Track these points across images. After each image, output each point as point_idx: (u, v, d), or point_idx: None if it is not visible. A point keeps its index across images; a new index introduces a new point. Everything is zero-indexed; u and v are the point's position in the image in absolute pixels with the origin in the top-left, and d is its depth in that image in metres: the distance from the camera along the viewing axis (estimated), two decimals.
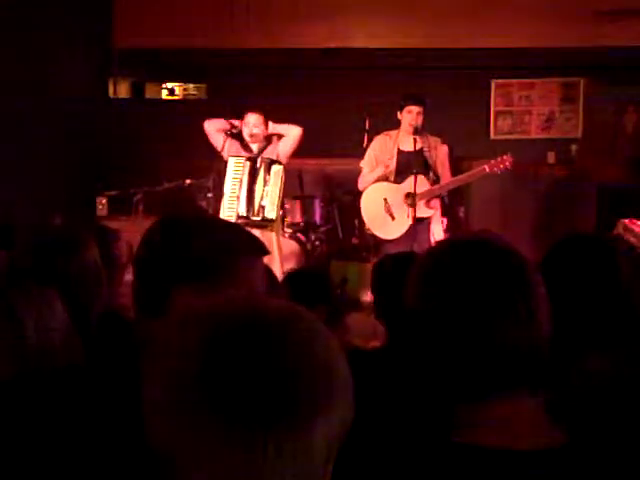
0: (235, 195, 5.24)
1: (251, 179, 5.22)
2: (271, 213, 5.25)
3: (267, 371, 0.77)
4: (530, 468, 1.04)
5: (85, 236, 2.16)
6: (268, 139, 5.42)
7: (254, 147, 5.38)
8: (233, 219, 5.13)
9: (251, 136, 5.30)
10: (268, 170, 5.23)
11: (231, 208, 5.23)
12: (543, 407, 1.10)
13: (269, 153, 5.37)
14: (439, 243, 1.25)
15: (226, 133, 5.34)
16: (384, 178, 5.45)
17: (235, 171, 5.26)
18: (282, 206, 5.56)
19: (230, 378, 0.76)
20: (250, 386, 0.76)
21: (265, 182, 5.23)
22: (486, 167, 5.18)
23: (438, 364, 1.12)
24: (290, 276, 2.83)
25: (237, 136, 5.38)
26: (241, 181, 5.23)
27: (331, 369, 0.81)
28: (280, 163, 5.30)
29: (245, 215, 5.19)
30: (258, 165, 5.23)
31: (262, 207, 5.22)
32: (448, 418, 1.12)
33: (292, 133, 5.39)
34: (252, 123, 5.29)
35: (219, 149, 5.32)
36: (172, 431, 0.78)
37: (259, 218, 5.22)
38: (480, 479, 1.04)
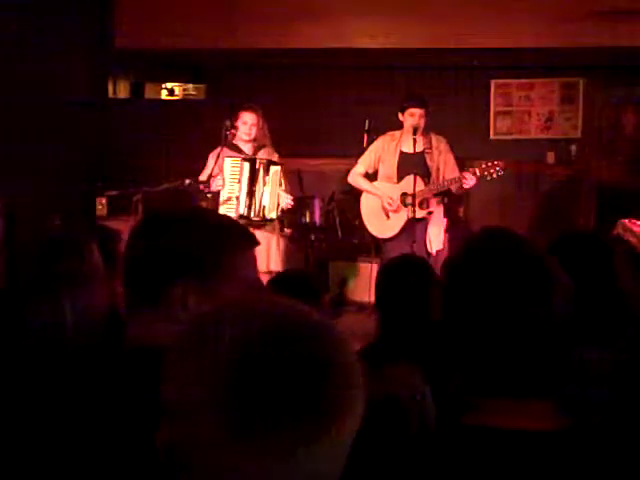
0: (234, 196, 5.25)
1: (251, 180, 5.22)
2: (272, 213, 5.27)
3: (301, 374, 0.78)
4: (537, 448, 1.06)
5: (87, 236, 2.16)
6: (261, 141, 5.39)
7: (246, 148, 5.37)
8: None
9: (248, 135, 5.29)
10: (267, 171, 5.24)
11: (230, 209, 5.23)
12: (552, 404, 1.12)
13: (263, 155, 5.36)
14: (473, 237, 1.26)
15: (226, 134, 5.33)
16: (386, 178, 5.45)
17: (232, 171, 5.26)
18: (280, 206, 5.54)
19: (265, 381, 0.77)
20: (284, 389, 0.77)
21: (264, 182, 5.24)
22: (477, 171, 5.17)
23: (461, 358, 1.15)
24: (275, 279, 2.80)
25: (229, 144, 5.36)
26: (240, 182, 5.23)
27: (355, 373, 0.84)
28: (278, 163, 5.31)
29: (246, 215, 5.20)
30: (257, 166, 5.23)
31: (263, 207, 5.24)
32: (458, 406, 1.14)
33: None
34: (250, 123, 5.27)
35: (211, 171, 5.27)
36: (196, 432, 0.78)
37: (259, 218, 5.23)
38: (488, 458, 1.05)
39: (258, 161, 5.24)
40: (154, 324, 1.30)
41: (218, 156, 5.26)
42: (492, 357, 1.10)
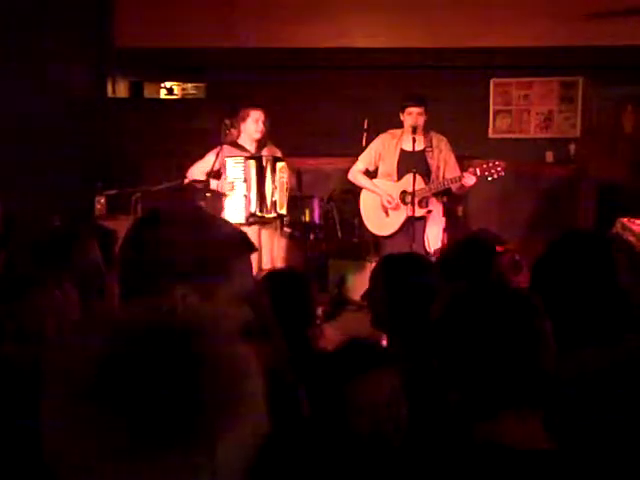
0: (242, 194, 5.23)
1: (259, 177, 5.20)
2: (283, 208, 5.28)
3: (167, 382, 0.74)
4: (527, 466, 1.09)
5: (87, 235, 2.16)
6: (265, 139, 5.36)
7: (251, 147, 5.35)
8: (242, 219, 5.13)
9: (260, 132, 5.25)
10: (273, 167, 5.23)
11: (238, 208, 5.21)
12: (540, 420, 1.21)
13: (267, 153, 5.34)
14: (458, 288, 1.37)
15: (225, 134, 5.33)
16: (387, 176, 5.45)
17: (236, 171, 5.24)
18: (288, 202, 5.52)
19: (129, 388, 0.73)
20: (151, 397, 0.73)
21: (273, 179, 5.23)
22: (478, 170, 5.16)
23: (458, 386, 1.25)
24: (268, 276, 2.77)
25: (232, 143, 5.34)
26: (248, 180, 5.20)
27: (238, 384, 0.79)
28: (282, 160, 5.30)
29: (258, 213, 5.19)
30: (264, 163, 5.21)
31: (274, 203, 5.23)
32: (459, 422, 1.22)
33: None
34: (261, 120, 5.24)
35: (211, 169, 5.26)
36: (68, 440, 0.75)
37: (273, 215, 5.24)
38: (489, 476, 1.08)
39: (264, 158, 5.22)
40: None
41: (217, 155, 5.24)
42: (489, 380, 1.21)
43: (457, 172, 5.28)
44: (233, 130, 5.35)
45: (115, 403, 0.73)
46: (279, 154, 5.38)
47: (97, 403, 0.73)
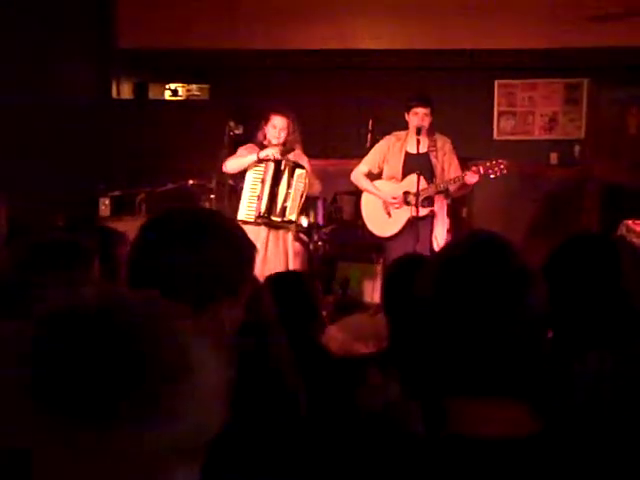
0: (256, 195, 5.17)
1: (274, 180, 5.12)
2: (292, 215, 5.19)
3: (87, 362, 0.72)
4: (513, 455, 1.05)
5: (90, 248, 2.15)
6: (291, 145, 5.25)
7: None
8: (252, 218, 5.09)
9: (277, 138, 5.15)
10: (292, 173, 5.15)
11: (251, 207, 5.17)
12: (528, 412, 1.11)
13: (291, 159, 5.25)
14: (450, 245, 1.26)
15: (229, 135, 5.30)
16: (391, 178, 5.43)
17: (254, 179, 5.19)
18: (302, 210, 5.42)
19: (49, 369, 0.72)
20: (70, 377, 0.72)
21: (289, 185, 5.15)
22: (481, 168, 5.13)
23: (435, 357, 1.14)
24: (271, 279, 2.77)
25: (258, 143, 5.24)
26: (263, 181, 5.15)
27: (175, 377, 0.75)
28: (303, 167, 5.20)
29: (266, 215, 5.13)
30: (282, 167, 5.13)
31: (284, 208, 5.15)
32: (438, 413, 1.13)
33: (313, 189, 5.35)
34: (279, 127, 5.15)
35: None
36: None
37: (279, 219, 5.16)
38: (465, 468, 1.05)
39: (284, 162, 5.15)
40: None
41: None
42: (467, 357, 1.10)
43: (459, 173, 5.26)
44: (237, 132, 5.32)
45: (38, 384, 0.72)
46: (305, 162, 5.26)
47: (23, 383, 0.72)
